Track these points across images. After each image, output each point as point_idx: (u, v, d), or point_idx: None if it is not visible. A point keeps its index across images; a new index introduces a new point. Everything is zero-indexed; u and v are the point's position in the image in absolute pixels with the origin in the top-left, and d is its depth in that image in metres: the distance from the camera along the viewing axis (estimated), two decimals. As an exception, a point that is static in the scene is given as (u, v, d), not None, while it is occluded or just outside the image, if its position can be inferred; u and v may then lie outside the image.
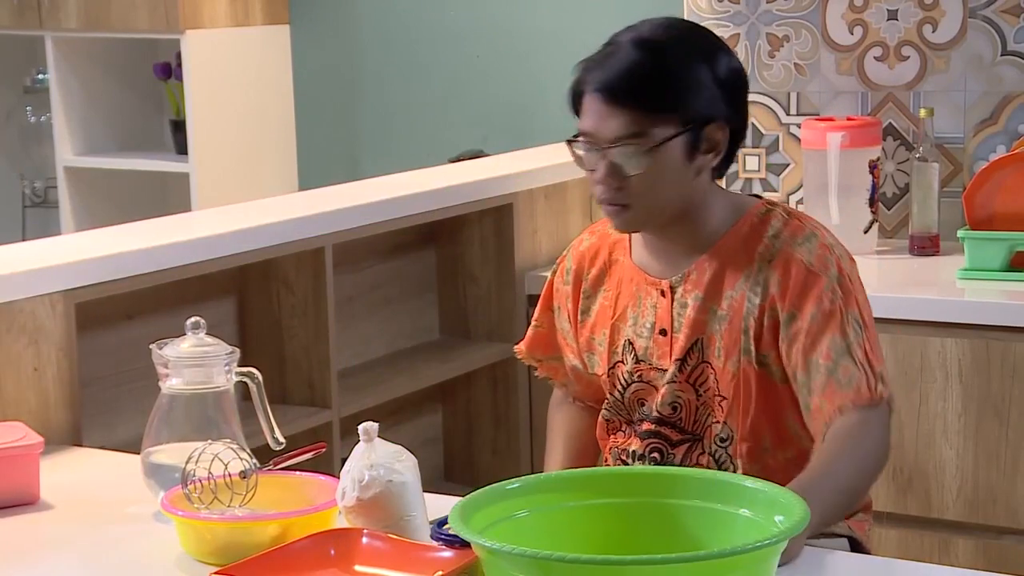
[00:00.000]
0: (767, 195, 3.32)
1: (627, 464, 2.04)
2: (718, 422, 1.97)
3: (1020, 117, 3.15)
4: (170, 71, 4.03)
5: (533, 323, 2.19)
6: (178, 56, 3.92)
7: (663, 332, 1.99)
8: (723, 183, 2.09)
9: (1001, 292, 2.76)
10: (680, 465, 1.99)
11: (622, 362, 2.03)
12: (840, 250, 1.96)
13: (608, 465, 2.09)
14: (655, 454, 2.01)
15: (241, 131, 4.01)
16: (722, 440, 1.97)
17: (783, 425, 1.96)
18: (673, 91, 1.91)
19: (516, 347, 2.23)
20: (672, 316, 1.99)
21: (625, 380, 2.03)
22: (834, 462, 1.83)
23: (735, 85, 1.96)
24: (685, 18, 3.39)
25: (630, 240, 2.06)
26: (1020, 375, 2.64)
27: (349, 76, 4.02)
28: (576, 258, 2.11)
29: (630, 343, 2.02)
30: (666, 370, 1.99)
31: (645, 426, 2.02)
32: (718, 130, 1.93)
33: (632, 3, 3.40)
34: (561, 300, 2.13)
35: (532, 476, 1.53)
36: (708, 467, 1.97)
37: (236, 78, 3.97)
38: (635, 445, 2.03)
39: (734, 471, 1.95)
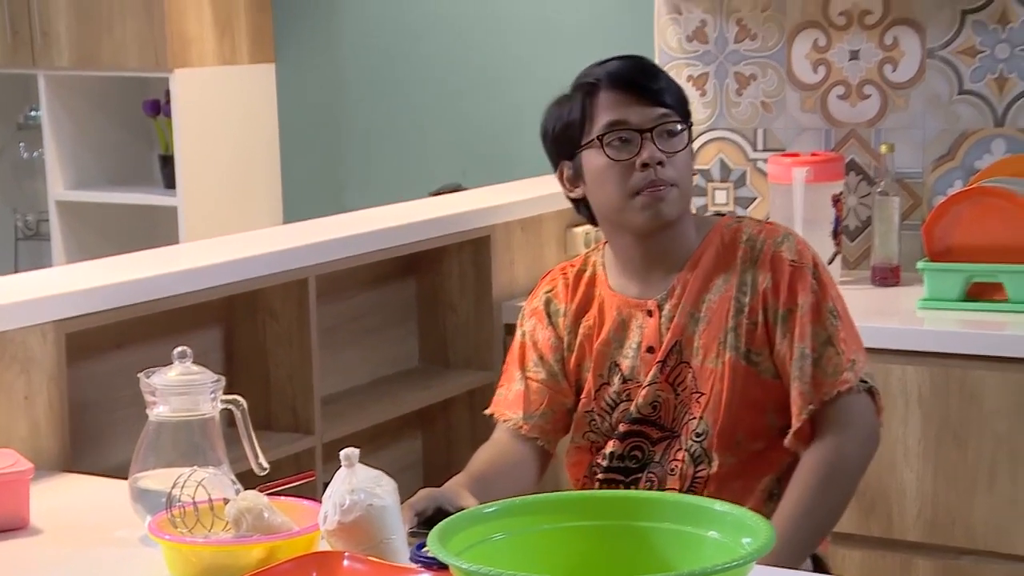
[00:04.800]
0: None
1: (603, 467, 2.04)
2: (695, 418, 1.99)
3: (976, 153, 3.18)
4: (159, 108, 4.03)
5: (517, 380, 2.09)
6: (167, 93, 3.92)
7: (650, 350, 2.01)
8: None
9: (959, 321, 2.78)
10: (658, 462, 2.01)
11: (608, 384, 2.04)
12: (812, 247, 2.05)
13: (583, 481, 2.09)
14: (636, 452, 2.02)
15: (228, 166, 4.01)
16: (698, 435, 1.99)
17: (763, 420, 1.99)
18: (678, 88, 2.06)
19: (500, 413, 2.09)
20: (660, 333, 2.01)
21: (612, 400, 2.04)
22: (812, 502, 1.91)
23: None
24: (654, 57, 3.41)
25: (605, 272, 2.08)
26: (977, 401, 2.66)
27: (333, 113, 4.03)
28: (544, 305, 2.09)
29: (616, 365, 2.03)
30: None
31: (623, 428, 2.03)
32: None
33: (605, 42, 3.43)
34: (544, 349, 2.08)
35: (508, 500, 1.52)
36: (683, 463, 1.99)
37: (223, 115, 3.97)
38: (613, 447, 2.03)
39: (708, 464, 1.98)
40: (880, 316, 2.86)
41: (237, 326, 2.72)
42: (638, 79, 2.00)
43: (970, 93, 3.18)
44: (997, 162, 3.11)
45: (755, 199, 3.41)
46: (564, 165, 2.06)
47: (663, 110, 1.98)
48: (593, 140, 1.99)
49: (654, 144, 1.96)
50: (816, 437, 1.94)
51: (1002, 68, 3.14)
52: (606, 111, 1.98)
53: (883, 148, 3.12)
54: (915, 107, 3.23)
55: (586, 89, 2.01)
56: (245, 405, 1.86)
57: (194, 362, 1.84)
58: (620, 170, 1.97)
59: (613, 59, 2.04)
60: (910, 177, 3.24)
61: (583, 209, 2.09)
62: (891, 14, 3.22)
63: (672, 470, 2.00)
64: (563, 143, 2.04)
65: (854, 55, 3.28)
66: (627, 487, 2.03)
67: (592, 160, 2.00)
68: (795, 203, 3.09)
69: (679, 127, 1.99)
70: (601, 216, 2.05)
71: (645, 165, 1.96)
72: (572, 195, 2.07)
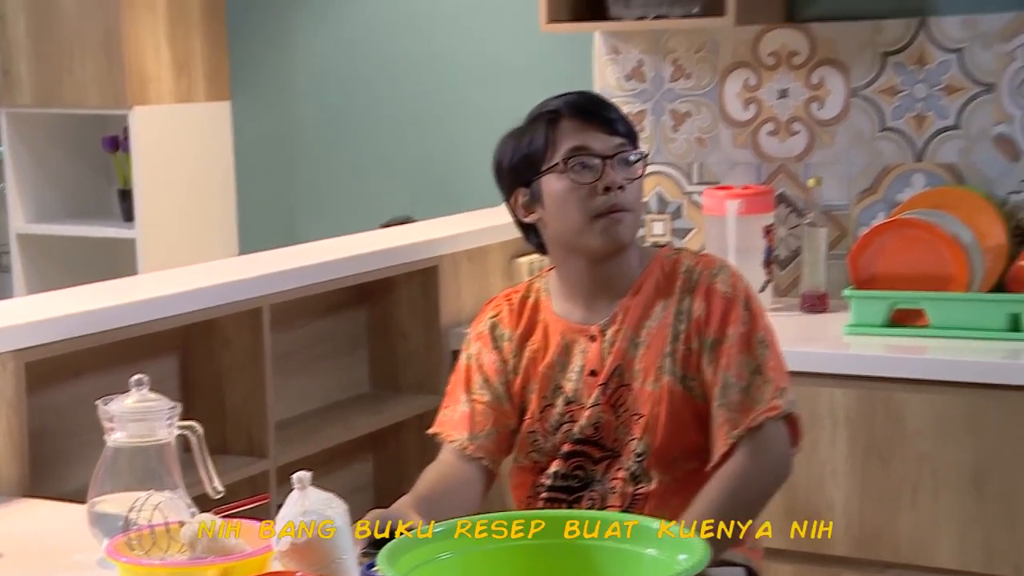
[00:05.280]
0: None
1: (547, 487, 2.04)
2: (635, 438, 2.00)
3: (898, 187, 3.22)
4: (118, 144, 4.00)
5: (462, 402, 2.08)
6: (125, 130, 3.90)
7: (593, 373, 2.02)
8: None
9: (883, 346, 2.81)
10: (599, 480, 2.02)
11: (552, 405, 2.05)
12: (746, 279, 2.07)
13: (527, 500, 2.09)
14: (578, 471, 2.03)
15: (184, 199, 3.98)
16: (638, 455, 2.00)
17: (697, 440, 2.00)
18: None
19: (446, 435, 2.07)
20: (602, 357, 2.02)
21: (555, 422, 2.04)
22: (726, 503, 1.90)
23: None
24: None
25: (549, 298, 2.09)
26: (901, 422, 2.68)
27: (286, 148, 4.02)
28: (489, 330, 2.10)
29: (559, 387, 2.04)
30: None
31: (566, 448, 2.03)
32: None
33: (547, 82, 3.44)
34: (489, 372, 2.09)
35: (455, 520, 1.52)
36: (623, 481, 2.00)
37: (180, 150, 3.96)
38: (557, 466, 2.04)
39: (647, 482, 1.99)
40: (808, 341, 2.89)
41: (193, 354, 2.70)
42: (597, 110, 2.04)
43: (891, 130, 3.22)
44: (917, 195, 3.15)
45: (691, 230, 3.44)
46: (519, 192, 2.06)
47: (621, 139, 2.02)
48: (556, 164, 2.00)
49: (614, 170, 1.99)
50: (732, 455, 1.95)
51: (920, 107, 3.19)
52: (569, 138, 2.01)
53: (811, 182, 3.16)
54: (840, 143, 3.27)
55: (548, 117, 2.03)
56: (201, 431, 1.85)
57: (151, 389, 1.83)
58: (583, 193, 1.99)
59: (568, 93, 2.07)
60: (836, 209, 3.28)
61: (533, 236, 2.09)
62: (817, 55, 3.27)
63: (613, 489, 2.00)
64: (522, 170, 2.04)
65: (783, 94, 3.32)
66: (570, 506, 2.03)
67: (553, 184, 2.01)
68: (728, 234, 3.12)
69: (633, 157, 2.02)
70: (556, 240, 2.06)
71: (607, 188, 1.98)
72: (527, 220, 2.07)
